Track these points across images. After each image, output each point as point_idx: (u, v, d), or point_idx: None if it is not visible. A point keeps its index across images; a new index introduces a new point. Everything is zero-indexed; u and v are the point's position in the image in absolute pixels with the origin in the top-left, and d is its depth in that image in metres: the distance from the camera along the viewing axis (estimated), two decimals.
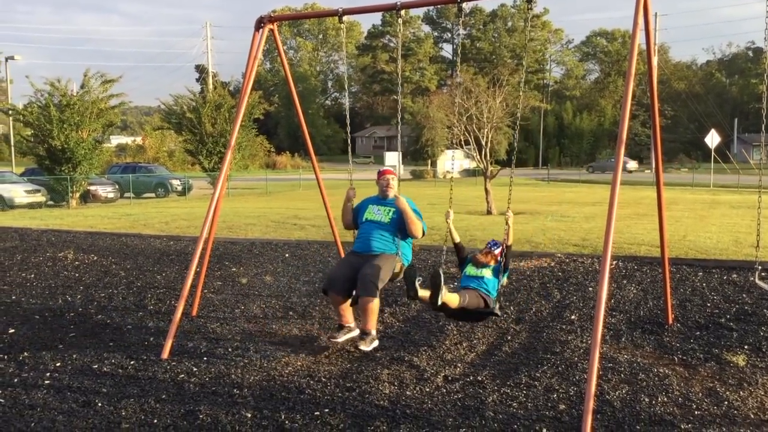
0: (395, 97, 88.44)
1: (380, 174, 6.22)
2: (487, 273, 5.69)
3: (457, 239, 6.02)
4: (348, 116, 7.18)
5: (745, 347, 5.79)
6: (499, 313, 5.66)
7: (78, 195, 26.46)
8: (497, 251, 5.76)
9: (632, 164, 59.21)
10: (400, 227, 5.90)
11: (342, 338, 5.85)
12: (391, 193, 6.07)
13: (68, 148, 25.51)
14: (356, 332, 5.90)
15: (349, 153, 7.75)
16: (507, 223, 5.69)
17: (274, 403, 4.59)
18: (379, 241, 5.89)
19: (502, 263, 5.73)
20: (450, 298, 5.20)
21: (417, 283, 5.15)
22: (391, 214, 5.97)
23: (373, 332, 5.65)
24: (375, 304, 5.54)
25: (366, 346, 5.56)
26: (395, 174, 6.26)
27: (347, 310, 5.90)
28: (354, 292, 5.72)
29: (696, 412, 4.42)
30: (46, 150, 26.00)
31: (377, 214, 6.04)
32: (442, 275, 5.10)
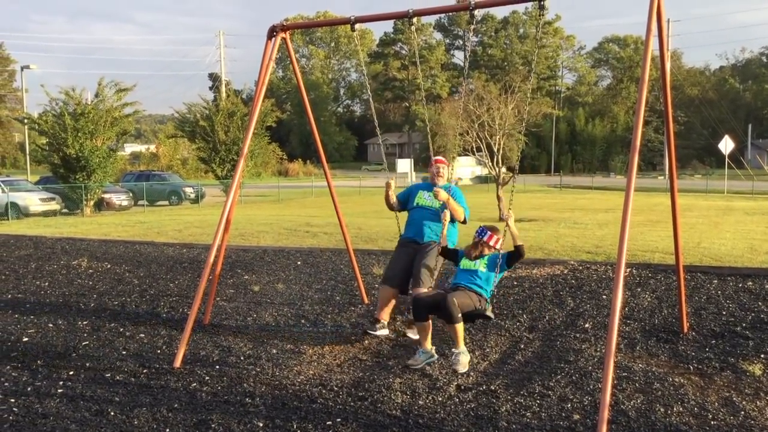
0: (407, 104, 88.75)
1: (433, 162, 6.55)
2: (481, 266, 5.60)
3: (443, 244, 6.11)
4: (375, 121, 7.48)
5: (762, 356, 5.72)
6: (491, 316, 5.56)
7: (92, 203, 26.64)
8: (486, 238, 5.65)
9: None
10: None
11: (377, 333, 6.22)
12: (441, 182, 6.38)
13: (83, 157, 25.71)
14: (386, 331, 6.32)
15: (382, 152, 7.80)
16: (507, 224, 5.53)
17: (286, 412, 4.58)
18: (428, 227, 6.27)
19: (500, 259, 5.57)
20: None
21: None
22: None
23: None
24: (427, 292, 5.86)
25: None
26: (447, 163, 6.63)
27: (390, 307, 6.31)
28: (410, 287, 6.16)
29: (712, 423, 4.37)
30: (60, 158, 26.20)
31: (428, 199, 6.36)
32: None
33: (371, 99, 9.17)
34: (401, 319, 6.84)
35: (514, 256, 5.58)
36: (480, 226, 5.83)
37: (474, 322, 5.87)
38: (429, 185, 6.48)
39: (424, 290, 5.90)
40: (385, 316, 6.28)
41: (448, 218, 6.12)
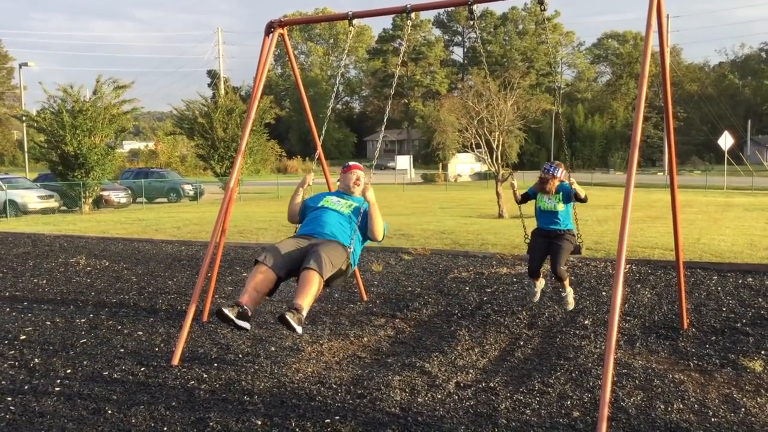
0: (406, 101, 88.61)
1: (348, 168, 5.76)
2: (560, 206, 6.50)
3: (519, 197, 6.92)
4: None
5: (762, 352, 5.70)
6: (581, 250, 6.72)
7: (91, 200, 26.60)
8: (559, 173, 6.40)
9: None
10: (359, 222, 5.34)
11: (234, 318, 4.67)
12: (358, 192, 5.63)
13: (81, 154, 25.66)
14: (248, 325, 4.77)
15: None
16: (512, 183, 6.88)
17: (284, 410, 4.55)
18: (335, 228, 5.26)
19: (570, 189, 6.41)
20: (568, 287, 6.72)
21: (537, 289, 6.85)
22: (352, 207, 5.47)
23: (304, 313, 4.66)
24: (318, 283, 4.76)
25: (292, 321, 4.52)
26: (363, 170, 5.78)
27: (262, 294, 4.92)
28: (280, 277, 4.98)
29: (712, 419, 4.35)
30: (59, 156, 26.15)
31: (336, 204, 5.48)
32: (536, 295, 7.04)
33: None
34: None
35: (578, 194, 6.43)
36: (546, 163, 6.64)
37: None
38: (340, 192, 5.70)
39: (318, 273, 4.74)
40: (251, 299, 4.83)
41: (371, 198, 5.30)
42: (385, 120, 6.82)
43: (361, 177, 5.68)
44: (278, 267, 4.91)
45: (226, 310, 4.63)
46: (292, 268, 4.98)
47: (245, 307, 4.73)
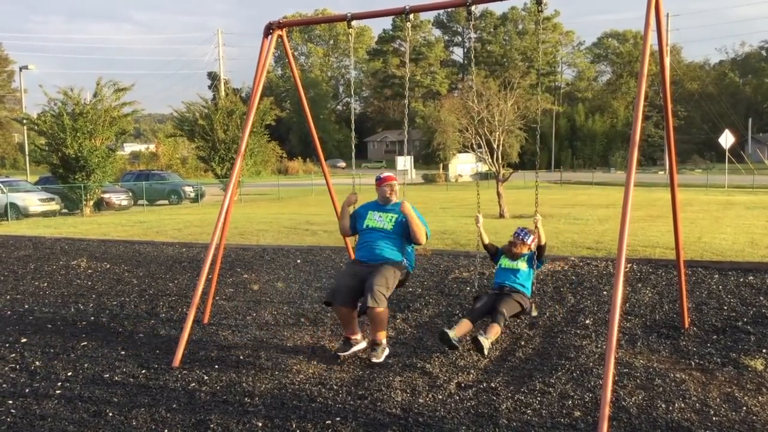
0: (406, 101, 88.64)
1: (382, 180, 6.09)
2: (522, 265, 6.05)
3: (487, 240, 6.38)
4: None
5: (763, 351, 5.69)
6: (535, 313, 6.12)
7: (92, 203, 26.63)
8: (529, 240, 6.06)
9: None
10: (403, 233, 5.81)
11: (351, 350, 5.70)
12: (395, 199, 6.01)
13: (81, 157, 25.70)
14: (363, 344, 5.76)
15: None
16: (536, 226, 5.96)
17: (285, 411, 4.55)
18: (384, 250, 5.77)
19: (535, 255, 6.03)
20: (493, 335, 5.53)
21: (452, 339, 5.46)
22: (393, 220, 5.86)
23: (384, 342, 5.56)
24: (384, 314, 5.45)
25: (378, 358, 5.46)
26: (397, 179, 6.17)
27: (353, 322, 5.71)
28: (360, 303, 5.57)
29: (714, 418, 4.34)
30: (59, 158, 26.19)
31: (379, 221, 5.91)
32: (448, 333, 5.45)
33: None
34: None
35: (541, 253, 6.07)
36: (518, 228, 6.21)
37: (518, 317, 6.14)
38: (379, 205, 6.03)
39: (379, 308, 5.34)
40: (353, 331, 5.72)
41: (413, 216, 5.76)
42: (408, 119, 6.79)
43: (395, 187, 6.08)
44: (346, 302, 5.61)
45: (340, 353, 5.68)
46: (355, 296, 5.64)
47: (351, 339, 5.73)
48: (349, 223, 6.13)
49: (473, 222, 6.63)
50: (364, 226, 5.95)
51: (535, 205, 6.39)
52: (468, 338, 5.76)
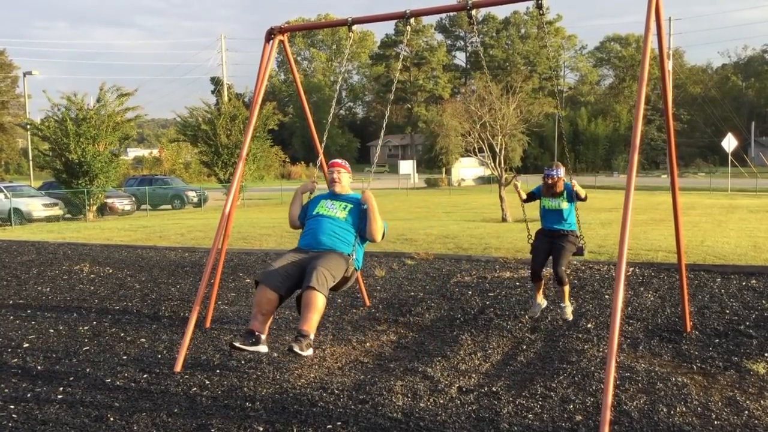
0: (409, 105, 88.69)
1: (331, 164, 5.70)
2: (563, 204, 6.66)
3: (524, 196, 7.09)
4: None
5: (766, 355, 5.68)
6: (585, 252, 6.89)
7: (95, 208, 26.68)
8: (561, 173, 6.67)
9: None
10: (356, 225, 5.37)
11: (248, 348, 4.96)
12: (338, 189, 5.59)
13: (85, 162, 25.75)
14: (265, 349, 5.11)
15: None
16: (516, 183, 7.09)
17: (286, 416, 4.55)
18: (331, 237, 5.26)
19: (574, 194, 6.63)
20: (567, 297, 6.73)
21: (539, 304, 6.85)
22: (347, 210, 5.43)
23: (312, 336, 4.89)
24: (322, 302, 4.88)
25: (301, 350, 4.77)
26: (347, 169, 5.74)
27: (270, 316, 5.16)
28: (295, 291, 5.12)
29: (716, 422, 4.33)
30: (63, 164, 26.26)
31: (331, 208, 5.45)
32: (540, 305, 6.86)
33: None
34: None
35: (580, 195, 6.68)
36: (545, 168, 6.85)
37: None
38: (332, 194, 5.63)
39: (319, 292, 4.85)
40: (261, 326, 5.06)
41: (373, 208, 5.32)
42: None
43: (335, 174, 5.62)
44: (278, 286, 5.04)
45: (237, 344, 4.92)
46: (291, 284, 5.11)
47: (257, 333, 4.99)
48: (299, 212, 5.69)
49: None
50: (314, 212, 5.49)
51: (514, 176, 6.70)
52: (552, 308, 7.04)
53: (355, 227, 5.38)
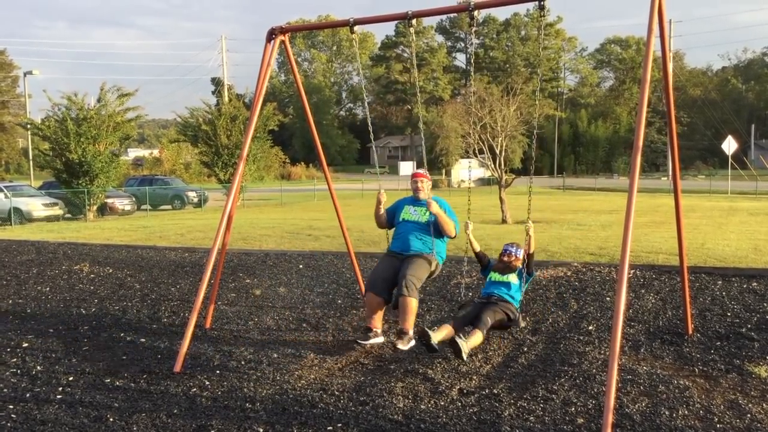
0: (409, 107, 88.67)
1: (412, 176, 6.46)
2: (512, 278, 6.08)
3: (478, 248, 6.42)
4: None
5: (767, 357, 5.66)
6: (523, 324, 6.11)
7: (95, 208, 26.64)
8: (520, 254, 6.15)
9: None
10: (435, 227, 6.14)
11: (369, 342, 6.08)
12: (422, 195, 6.29)
13: (85, 162, 25.71)
14: (381, 339, 6.20)
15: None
16: (528, 233, 6.04)
17: (286, 417, 4.53)
18: (417, 241, 6.15)
19: (524, 268, 6.09)
20: (474, 341, 5.58)
21: (432, 340, 5.45)
22: (428, 214, 6.17)
23: (411, 332, 5.73)
24: (414, 303, 5.76)
25: (404, 345, 5.65)
26: (428, 177, 6.44)
27: (380, 313, 6.16)
28: (394, 293, 5.99)
29: (718, 425, 4.31)
30: (63, 163, 26.21)
31: (414, 214, 6.28)
32: (429, 333, 5.42)
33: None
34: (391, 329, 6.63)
35: (530, 263, 6.14)
36: (506, 244, 6.32)
37: (505, 330, 6.26)
38: (413, 200, 6.41)
39: (410, 297, 5.74)
40: (375, 323, 6.19)
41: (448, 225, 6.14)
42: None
43: (419, 184, 6.33)
44: (381, 291, 6.07)
45: (360, 340, 6.13)
46: (390, 286, 6.08)
47: (374, 329, 6.14)
48: (386, 216, 6.50)
49: (477, 227, 6.66)
50: (400, 219, 6.35)
51: (528, 212, 6.36)
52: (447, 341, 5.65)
53: (434, 228, 6.15)
